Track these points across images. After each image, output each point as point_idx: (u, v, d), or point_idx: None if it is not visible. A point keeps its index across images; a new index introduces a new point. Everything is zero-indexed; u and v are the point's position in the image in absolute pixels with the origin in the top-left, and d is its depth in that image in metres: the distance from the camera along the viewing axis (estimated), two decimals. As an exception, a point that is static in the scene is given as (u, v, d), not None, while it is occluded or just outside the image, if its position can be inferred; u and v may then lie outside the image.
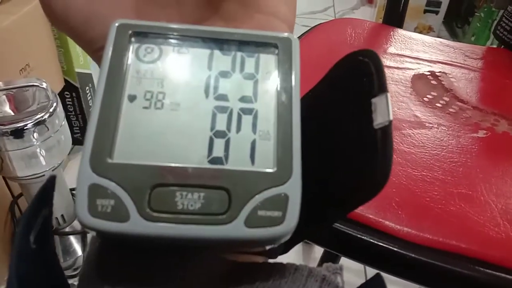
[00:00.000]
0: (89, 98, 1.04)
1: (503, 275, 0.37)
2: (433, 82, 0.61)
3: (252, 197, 0.16)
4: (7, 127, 0.63)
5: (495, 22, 0.74)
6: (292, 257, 0.85)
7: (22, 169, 0.67)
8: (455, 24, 1.74)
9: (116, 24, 0.18)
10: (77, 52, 0.97)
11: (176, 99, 0.18)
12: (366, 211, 0.40)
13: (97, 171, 0.16)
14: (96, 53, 0.20)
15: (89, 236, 0.17)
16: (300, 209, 0.16)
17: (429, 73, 0.63)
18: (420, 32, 1.69)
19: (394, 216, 0.40)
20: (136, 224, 0.15)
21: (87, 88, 1.02)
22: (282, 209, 0.16)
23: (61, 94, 1.00)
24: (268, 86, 0.18)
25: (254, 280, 0.17)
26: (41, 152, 0.67)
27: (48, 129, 0.66)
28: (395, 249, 0.38)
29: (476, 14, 1.55)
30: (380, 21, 0.79)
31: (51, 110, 0.66)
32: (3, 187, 0.82)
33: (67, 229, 0.83)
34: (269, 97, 0.18)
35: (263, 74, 0.19)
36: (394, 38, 0.72)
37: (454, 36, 1.74)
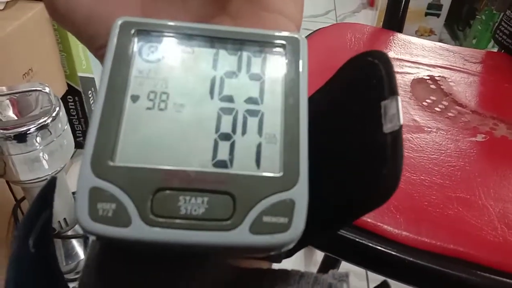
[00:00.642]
0: (91, 102, 1.05)
1: (501, 278, 0.37)
2: (432, 86, 0.62)
3: (258, 203, 0.15)
4: (10, 131, 0.63)
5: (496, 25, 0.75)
6: (293, 260, 0.85)
7: (25, 173, 0.67)
8: (456, 27, 1.74)
9: (119, 22, 0.18)
10: (79, 56, 0.97)
11: (180, 100, 0.17)
12: (364, 215, 0.41)
13: (98, 173, 0.15)
14: (99, 51, 0.20)
15: (91, 239, 0.16)
16: (306, 215, 0.15)
17: (428, 78, 0.63)
18: (422, 35, 1.69)
19: (393, 220, 0.41)
20: (138, 229, 0.15)
21: (89, 92, 1.03)
22: (288, 215, 0.15)
23: (63, 98, 1.00)
24: (275, 88, 0.18)
25: None
26: (44, 156, 0.67)
27: (51, 133, 0.67)
28: (393, 253, 0.38)
29: (477, 16, 1.55)
30: (381, 24, 0.79)
31: (54, 114, 0.67)
32: (6, 191, 0.82)
33: (69, 233, 0.83)
34: (276, 99, 0.17)
35: (270, 75, 0.18)
36: (394, 43, 0.72)
37: (455, 39, 1.74)
